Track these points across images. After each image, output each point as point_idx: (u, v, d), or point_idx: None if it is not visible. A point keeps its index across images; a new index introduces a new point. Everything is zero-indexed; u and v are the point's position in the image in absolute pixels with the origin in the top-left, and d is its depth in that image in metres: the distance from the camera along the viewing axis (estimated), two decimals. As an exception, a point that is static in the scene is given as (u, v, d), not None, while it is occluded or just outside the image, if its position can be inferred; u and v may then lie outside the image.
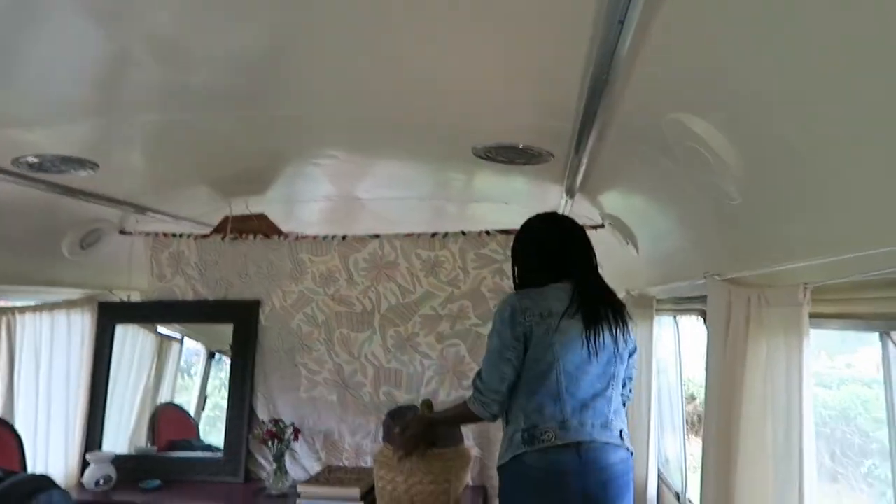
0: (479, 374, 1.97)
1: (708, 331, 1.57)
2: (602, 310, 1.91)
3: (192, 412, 3.53)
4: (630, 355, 2.01)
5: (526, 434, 1.84)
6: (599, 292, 1.97)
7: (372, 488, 2.52)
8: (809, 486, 1.20)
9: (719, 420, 1.47)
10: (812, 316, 1.25)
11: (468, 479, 2.58)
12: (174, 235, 3.17)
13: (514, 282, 2.11)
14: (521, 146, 2.08)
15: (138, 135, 2.02)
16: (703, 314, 1.84)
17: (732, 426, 1.46)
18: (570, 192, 2.61)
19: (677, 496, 2.26)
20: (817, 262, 1.23)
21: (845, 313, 1.34)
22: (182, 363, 3.63)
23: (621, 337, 1.92)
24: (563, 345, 1.86)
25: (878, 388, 1.38)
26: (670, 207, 1.97)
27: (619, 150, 1.87)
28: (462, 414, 2.09)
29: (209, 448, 3.24)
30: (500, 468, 1.92)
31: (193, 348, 3.72)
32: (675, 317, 2.39)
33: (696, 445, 2.36)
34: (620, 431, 1.91)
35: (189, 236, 3.16)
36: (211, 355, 3.63)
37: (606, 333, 1.89)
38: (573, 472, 1.82)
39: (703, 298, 1.88)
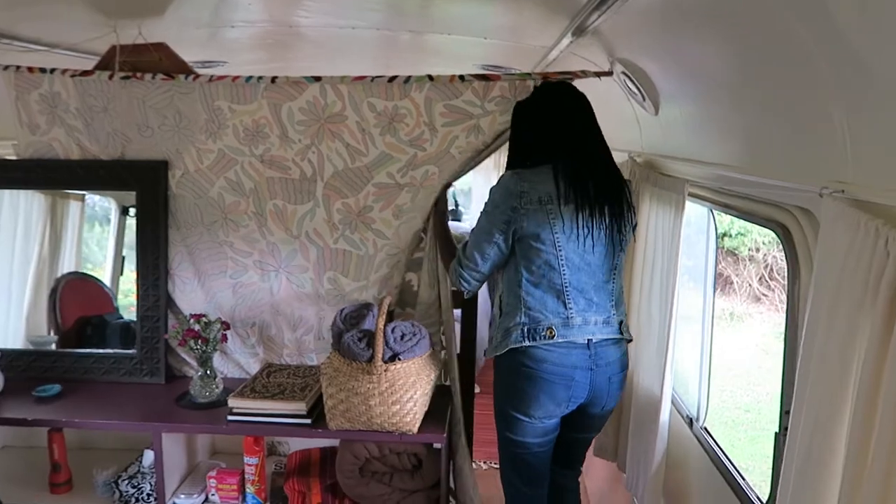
0: (464, 245, 1.95)
1: (811, 277, 1.04)
2: (607, 194, 1.81)
3: (106, 280, 3.00)
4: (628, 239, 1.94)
5: (525, 329, 1.80)
6: (605, 174, 1.85)
7: (321, 398, 2.08)
8: None
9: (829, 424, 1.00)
10: None
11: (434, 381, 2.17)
12: (43, 70, 2.37)
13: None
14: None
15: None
16: (783, 231, 1.30)
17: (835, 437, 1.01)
18: (580, 31, 1.92)
19: (690, 421, 1.90)
20: None
21: None
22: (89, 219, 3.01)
23: (625, 223, 1.85)
24: (566, 234, 1.78)
25: None
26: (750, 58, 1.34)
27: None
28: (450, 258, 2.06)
29: (128, 325, 2.74)
30: (496, 358, 1.89)
31: (101, 203, 3.10)
32: (711, 210, 1.85)
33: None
34: (620, 323, 1.88)
35: (64, 72, 2.36)
36: (124, 210, 3.02)
37: (609, 220, 1.80)
38: (582, 368, 1.81)
39: (778, 207, 1.34)
